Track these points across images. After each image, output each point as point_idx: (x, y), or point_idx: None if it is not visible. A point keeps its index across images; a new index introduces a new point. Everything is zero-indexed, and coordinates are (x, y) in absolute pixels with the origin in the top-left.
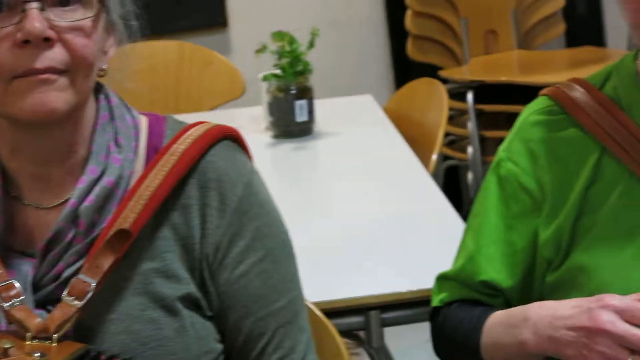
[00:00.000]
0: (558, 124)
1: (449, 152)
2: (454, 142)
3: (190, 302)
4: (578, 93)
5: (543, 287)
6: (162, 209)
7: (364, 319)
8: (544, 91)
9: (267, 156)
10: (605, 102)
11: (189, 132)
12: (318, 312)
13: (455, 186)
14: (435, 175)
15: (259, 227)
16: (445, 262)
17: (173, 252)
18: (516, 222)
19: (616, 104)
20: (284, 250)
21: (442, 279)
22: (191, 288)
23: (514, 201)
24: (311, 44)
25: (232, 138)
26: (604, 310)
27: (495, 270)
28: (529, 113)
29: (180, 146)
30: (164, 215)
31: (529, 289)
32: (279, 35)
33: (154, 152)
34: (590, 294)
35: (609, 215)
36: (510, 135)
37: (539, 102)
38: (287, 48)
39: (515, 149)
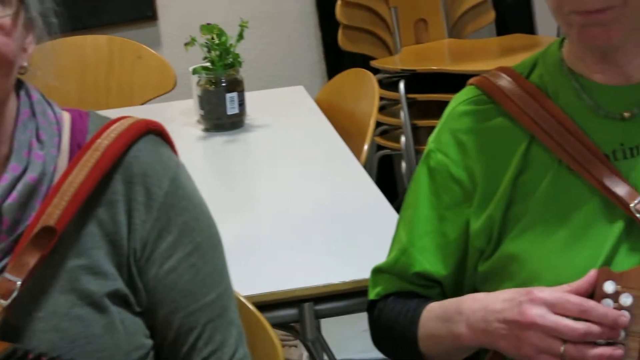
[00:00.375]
0: (486, 113)
1: (382, 141)
2: (387, 131)
3: (119, 299)
4: (505, 82)
5: (476, 277)
6: (87, 205)
7: (297, 311)
8: (471, 81)
9: (198, 149)
10: (532, 90)
11: (112, 127)
12: (250, 306)
13: (389, 175)
14: (368, 166)
15: (187, 221)
16: (378, 253)
17: (100, 249)
18: (448, 212)
19: (543, 92)
20: (212, 244)
21: (377, 272)
22: (119, 284)
23: (445, 192)
24: (240, 36)
25: (156, 132)
26: (533, 303)
27: (429, 261)
28: (457, 103)
29: (104, 141)
30: (89, 212)
31: (462, 279)
32: (207, 28)
33: (78, 148)
34: (522, 283)
35: (539, 204)
36: (438, 126)
37: (467, 92)
38: (216, 41)
39: (444, 139)
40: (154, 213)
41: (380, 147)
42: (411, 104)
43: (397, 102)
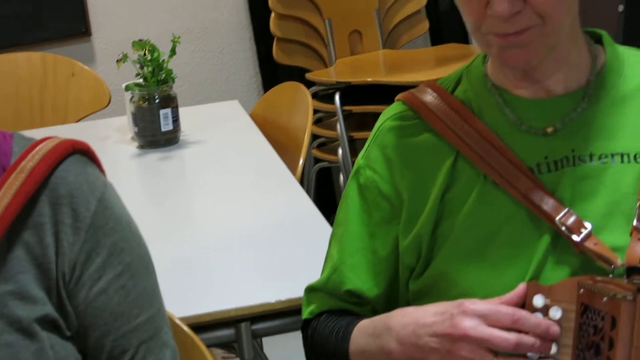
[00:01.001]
0: (412, 129)
1: (319, 154)
2: (324, 144)
3: (48, 324)
4: (430, 97)
5: (407, 295)
6: (13, 229)
7: (234, 331)
8: (398, 96)
9: (133, 167)
10: (456, 106)
11: (37, 149)
12: (185, 328)
13: (328, 188)
14: (306, 179)
15: (115, 242)
16: (315, 270)
17: (27, 273)
18: (378, 229)
19: (467, 107)
20: (142, 265)
21: (310, 290)
22: (48, 309)
23: (375, 209)
24: (172, 52)
25: (83, 152)
26: (465, 315)
27: (361, 279)
28: (385, 119)
29: (29, 163)
30: (15, 235)
31: (394, 297)
32: (139, 44)
33: (2, 171)
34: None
35: (467, 221)
36: (367, 142)
37: (394, 108)
38: (149, 57)
39: (373, 155)
40: (82, 235)
41: (317, 160)
42: (347, 116)
43: (333, 114)
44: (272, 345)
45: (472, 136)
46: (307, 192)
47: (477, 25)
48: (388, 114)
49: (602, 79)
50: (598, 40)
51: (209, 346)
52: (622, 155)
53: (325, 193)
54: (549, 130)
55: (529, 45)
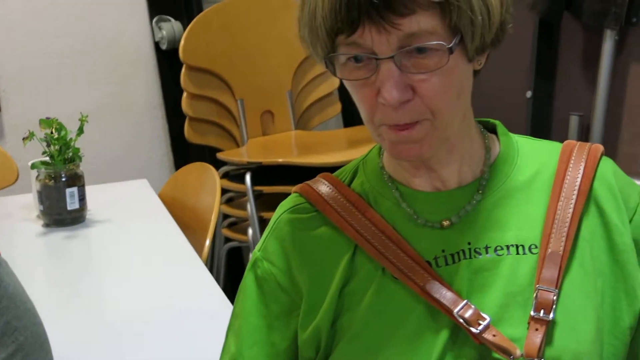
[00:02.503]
0: (310, 222)
1: (230, 234)
2: (235, 224)
3: None
4: (327, 189)
5: None
6: None
7: None
8: (295, 188)
9: (38, 246)
10: (353, 199)
11: None
12: None
13: (238, 268)
14: (216, 259)
15: (8, 320)
16: (215, 350)
17: None
18: (277, 322)
19: (364, 199)
20: (37, 343)
21: None
22: None
23: (273, 301)
24: (80, 131)
25: None
26: None
27: None
28: (282, 211)
29: None
30: None
31: None
32: (46, 122)
33: None
34: None
35: (365, 314)
36: (265, 234)
37: (292, 200)
38: (55, 135)
39: (270, 248)
40: None
41: (228, 240)
42: (258, 196)
43: (244, 194)
44: None
45: (369, 229)
46: (217, 271)
47: (370, 115)
48: (285, 206)
49: (496, 170)
50: (492, 130)
51: None
52: (517, 247)
53: (234, 273)
54: (445, 223)
55: (420, 140)
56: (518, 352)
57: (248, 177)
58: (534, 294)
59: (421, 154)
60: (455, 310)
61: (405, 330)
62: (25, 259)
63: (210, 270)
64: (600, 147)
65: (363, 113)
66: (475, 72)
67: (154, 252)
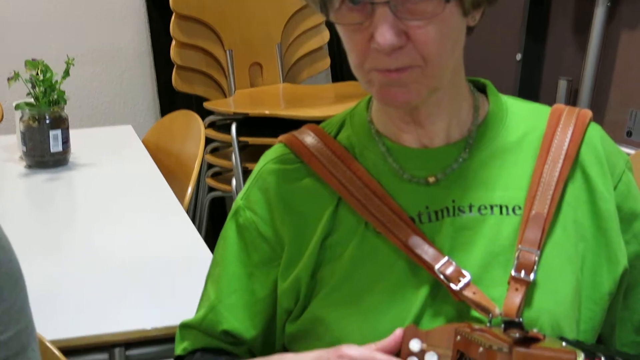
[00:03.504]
0: (294, 172)
1: (214, 183)
2: (220, 174)
3: None
4: (313, 141)
5: (284, 337)
6: None
7: (108, 356)
8: (280, 138)
9: (21, 186)
10: (339, 151)
11: None
12: (56, 351)
13: (221, 217)
14: (199, 207)
15: None
16: (193, 299)
17: None
18: (257, 270)
19: (350, 152)
20: (11, 280)
21: (184, 327)
22: None
23: (254, 250)
24: (66, 73)
25: None
26: None
27: (237, 319)
28: (266, 161)
29: None
30: None
31: (271, 339)
32: (32, 64)
33: None
34: (330, 345)
35: (346, 267)
36: (248, 183)
37: (276, 150)
38: (41, 77)
39: (253, 197)
40: None
41: (212, 189)
42: (243, 147)
43: (229, 144)
44: None
45: (353, 182)
46: (199, 220)
47: (360, 60)
48: (269, 156)
49: (484, 130)
50: (482, 89)
51: None
52: (501, 207)
53: (217, 222)
54: (431, 180)
55: (409, 85)
56: (497, 311)
57: (234, 128)
58: (516, 254)
59: (408, 98)
60: (437, 267)
61: (386, 285)
62: (6, 200)
63: (193, 219)
64: (589, 113)
65: (353, 59)
66: (469, 29)
67: (135, 198)
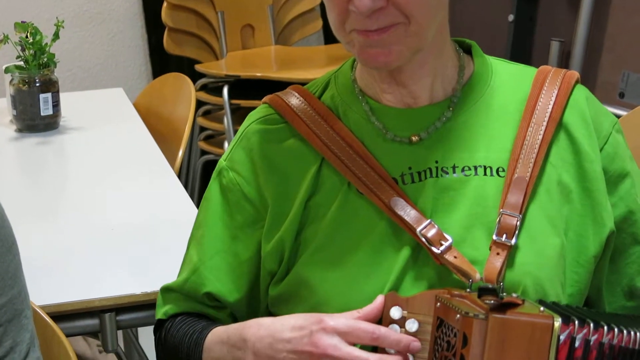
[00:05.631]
0: (278, 133)
1: (206, 147)
2: (212, 136)
3: None
4: (297, 101)
5: (268, 300)
6: None
7: (99, 321)
8: (265, 99)
9: (11, 150)
10: (322, 111)
11: None
12: (44, 316)
13: None
14: (192, 171)
15: None
16: None
17: None
18: (240, 232)
19: (334, 112)
20: (4, 246)
21: (166, 291)
22: None
23: (238, 211)
24: (56, 36)
25: None
26: (325, 333)
27: (220, 281)
28: (251, 121)
29: None
30: None
31: (255, 301)
32: (21, 26)
33: None
34: (312, 308)
35: (329, 228)
36: (232, 144)
37: (261, 110)
38: (30, 39)
39: (237, 158)
40: None
41: (204, 152)
42: (235, 109)
43: (221, 107)
44: (148, 335)
45: (337, 143)
46: (192, 183)
47: (340, 21)
48: (254, 116)
49: (469, 89)
50: (467, 50)
51: (72, 335)
52: (485, 168)
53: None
54: (414, 139)
55: (391, 46)
56: (477, 276)
57: (225, 90)
58: (498, 219)
59: (390, 59)
60: (419, 229)
61: (367, 246)
62: None
63: (186, 182)
64: (575, 74)
65: (333, 20)
66: None
67: (126, 161)
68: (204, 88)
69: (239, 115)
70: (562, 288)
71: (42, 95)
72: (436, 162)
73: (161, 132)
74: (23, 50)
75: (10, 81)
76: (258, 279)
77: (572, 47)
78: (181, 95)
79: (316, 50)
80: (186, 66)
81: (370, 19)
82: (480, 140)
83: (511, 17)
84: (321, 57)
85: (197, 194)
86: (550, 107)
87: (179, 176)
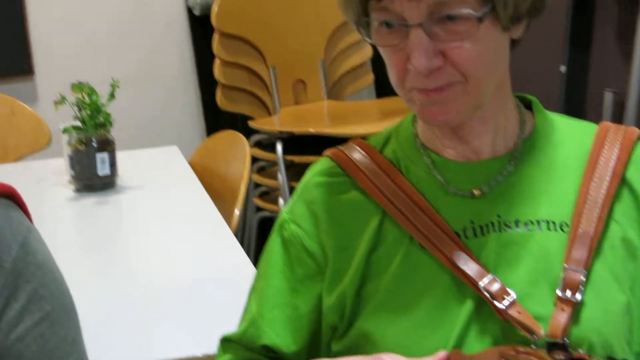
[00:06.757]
0: (340, 186)
1: (261, 203)
2: (267, 193)
3: None
4: (359, 155)
5: (329, 355)
6: None
7: None
8: (326, 152)
9: (68, 210)
10: (384, 165)
11: None
12: None
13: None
14: (247, 228)
15: (36, 288)
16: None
17: None
18: (301, 285)
19: (395, 166)
20: (64, 313)
21: (225, 341)
22: None
23: (299, 264)
24: (111, 96)
25: (7, 196)
26: None
27: (278, 334)
28: (312, 174)
29: None
30: None
31: (314, 355)
32: (78, 87)
33: None
34: None
35: (391, 282)
36: (294, 197)
37: (322, 163)
38: (87, 100)
39: (298, 211)
40: (1, 280)
41: (259, 209)
42: (289, 165)
43: (275, 163)
44: None
45: (399, 196)
46: (248, 240)
47: (400, 80)
48: (315, 169)
49: (530, 144)
50: (528, 106)
51: None
52: (547, 223)
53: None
54: (476, 192)
55: (450, 104)
56: (542, 332)
57: (279, 147)
58: (562, 274)
59: (449, 118)
60: (481, 283)
61: (430, 301)
62: (56, 224)
63: (242, 239)
64: (637, 131)
65: (394, 78)
66: (514, 42)
67: (183, 219)
68: (257, 144)
69: (293, 171)
70: (628, 346)
71: (99, 155)
72: (498, 216)
73: (217, 189)
74: (80, 110)
75: (68, 141)
76: (317, 332)
77: (626, 98)
78: (236, 153)
79: (368, 104)
80: (240, 122)
81: (428, 78)
82: (542, 194)
83: (563, 69)
84: (373, 111)
85: (254, 251)
86: (613, 163)
87: (236, 233)
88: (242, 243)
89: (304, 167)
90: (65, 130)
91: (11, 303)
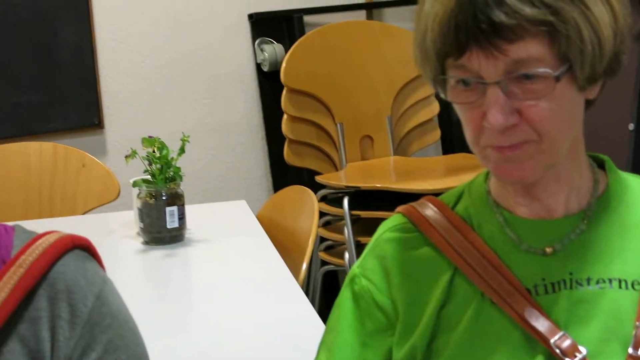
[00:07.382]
0: (412, 242)
1: (326, 257)
2: (332, 247)
3: None
4: (431, 212)
5: None
6: (10, 322)
7: None
8: (398, 208)
9: (137, 263)
10: (456, 222)
11: (37, 243)
12: None
13: (334, 291)
14: (312, 281)
15: (111, 339)
16: None
17: None
18: (370, 339)
19: (467, 223)
20: None
21: None
22: None
23: (369, 318)
24: (182, 150)
25: (83, 247)
26: None
27: None
28: (384, 230)
29: (29, 258)
30: (11, 329)
31: None
32: (148, 141)
33: (2, 264)
34: None
35: (462, 337)
36: (365, 252)
37: (394, 219)
38: (157, 154)
39: (369, 265)
40: (78, 330)
41: (324, 263)
42: (355, 220)
43: (341, 217)
44: None
45: (470, 253)
46: (313, 294)
47: (475, 137)
48: (387, 225)
49: (604, 203)
50: (601, 164)
51: None
52: (619, 281)
53: (331, 296)
54: (548, 250)
55: (524, 162)
56: None
57: (346, 201)
58: (634, 332)
59: (524, 175)
60: (552, 340)
61: (501, 357)
62: (125, 276)
63: (306, 293)
64: None
65: (469, 135)
66: (589, 102)
67: (250, 274)
68: (324, 199)
69: (359, 226)
70: None
71: (168, 209)
72: (570, 273)
73: (284, 243)
74: (150, 164)
75: (138, 194)
76: None
77: None
78: (304, 208)
79: (434, 160)
80: (306, 176)
81: (503, 135)
82: (614, 253)
83: (631, 126)
84: (439, 168)
85: (318, 305)
86: None
87: (302, 287)
88: (307, 296)
89: (370, 221)
90: (135, 184)
91: (88, 353)
